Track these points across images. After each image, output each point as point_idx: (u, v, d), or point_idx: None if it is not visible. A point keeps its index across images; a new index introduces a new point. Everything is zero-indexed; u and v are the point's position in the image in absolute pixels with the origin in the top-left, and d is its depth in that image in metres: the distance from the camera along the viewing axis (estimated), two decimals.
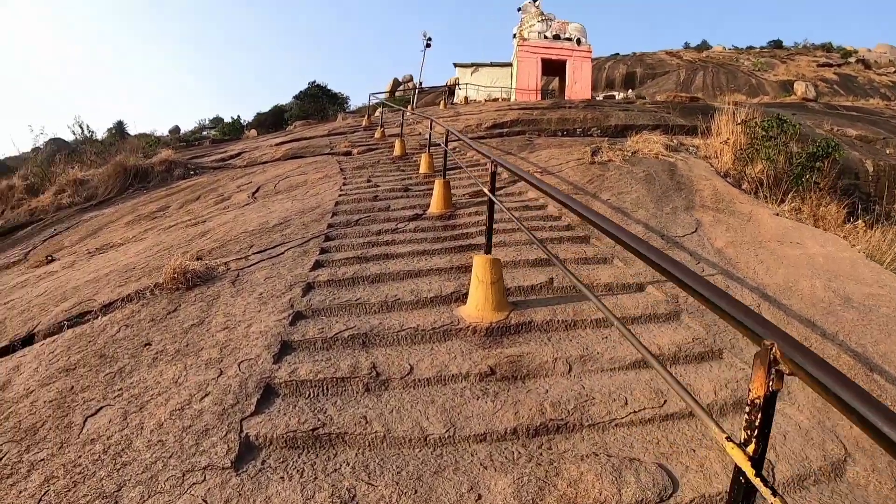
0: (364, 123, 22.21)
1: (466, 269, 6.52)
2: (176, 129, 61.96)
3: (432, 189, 9.73)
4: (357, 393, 4.30)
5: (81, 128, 25.75)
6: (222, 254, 7.86)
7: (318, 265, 6.91)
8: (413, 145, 15.97)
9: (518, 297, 5.85)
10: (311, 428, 3.80)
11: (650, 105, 23.61)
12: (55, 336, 6.57)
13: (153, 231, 11.15)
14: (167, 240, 9.78)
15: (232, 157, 19.50)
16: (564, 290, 6.05)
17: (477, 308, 5.27)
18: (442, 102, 29.84)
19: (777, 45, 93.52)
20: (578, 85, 35.80)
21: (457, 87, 39.39)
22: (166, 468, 3.57)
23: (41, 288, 8.68)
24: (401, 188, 10.50)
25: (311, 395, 4.29)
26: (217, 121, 59.96)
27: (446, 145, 8.95)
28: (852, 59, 78.08)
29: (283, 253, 7.48)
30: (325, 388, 4.34)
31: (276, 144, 20.06)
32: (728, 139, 13.44)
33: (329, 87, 49.71)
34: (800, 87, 40.02)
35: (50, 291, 8.26)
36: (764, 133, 12.79)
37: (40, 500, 3.52)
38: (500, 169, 5.52)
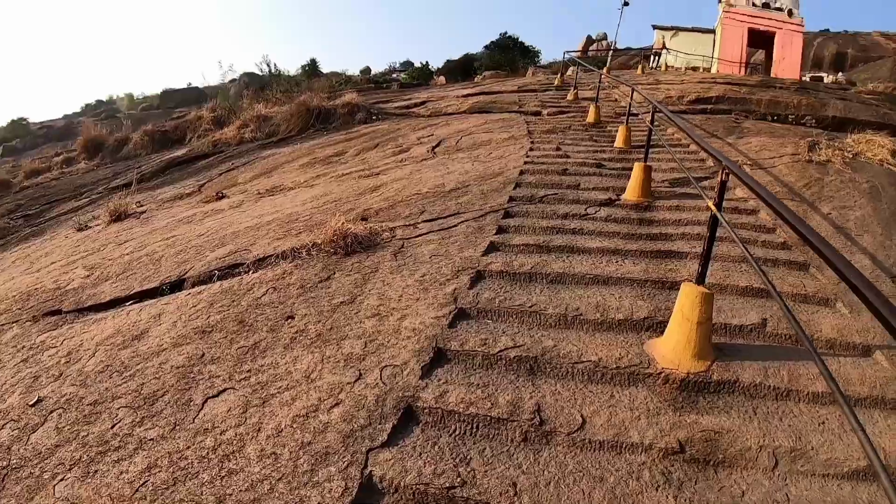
0: (556, 83, 20.88)
1: (663, 284, 5.48)
2: (367, 70, 63.35)
3: (628, 169, 8.63)
4: (512, 443, 3.49)
5: (268, 65, 26.11)
6: (390, 216, 7.21)
7: (492, 248, 6.08)
8: (608, 112, 14.63)
9: (722, 337, 4.71)
10: (446, 485, 3.08)
11: (869, 96, 20.92)
12: (203, 286, 6.12)
13: (325, 178, 10.73)
14: (337, 190, 9.25)
15: (416, 105, 18.93)
16: (778, 339, 4.85)
17: (674, 350, 4.19)
18: (640, 67, 27.76)
19: None
20: (786, 61, 32.33)
21: (661, 52, 36.85)
22: (272, 494, 3.06)
23: (204, 227, 8.35)
24: (593, 163, 9.38)
25: (457, 433, 3.54)
26: (407, 64, 60.66)
27: (651, 123, 7.73)
28: None
29: (455, 225, 6.68)
30: (475, 426, 3.58)
31: (463, 96, 19.27)
32: None
33: (521, 40, 48.60)
34: None
35: (211, 233, 7.89)
36: None
37: (137, 489, 3.20)
38: (721, 171, 4.28)
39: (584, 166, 9.22)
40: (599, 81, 14.71)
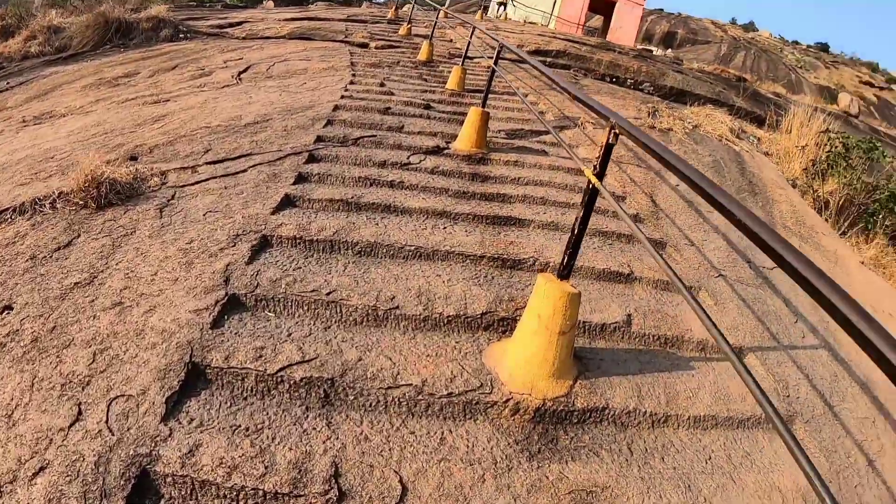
0: (389, 16, 19.29)
1: (504, 263, 4.43)
2: None
3: (460, 114, 7.63)
4: None
5: None
6: (166, 156, 5.72)
7: (287, 203, 4.76)
8: (441, 52, 13.44)
9: (580, 338, 3.72)
10: None
11: (702, 74, 21.17)
12: None
13: (105, 103, 8.92)
14: (112, 119, 7.56)
15: (232, 25, 16.84)
16: (646, 340, 3.97)
17: (527, 367, 3.07)
18: (478, 14, 26.77)
19: (823, 48, 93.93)
20: (623, 30, 33.62)
21: (504, 2, 36.13)
22: None
23: None
24: (421, 103, 8.16)
25: None
26: None
27: (496, 63, 6.58)
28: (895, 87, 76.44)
29: (245, 170, 5.31)
30: None
31: (285, 20, 17.37)
32: (805, 144, 11.51)
33: None
34: (844, 100, 38.54)
35: None
36: (844, 151, 11.07)
37: None
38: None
39: (411, 106, 7.98)
40: (436, 19, 13.46)
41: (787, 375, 4.24)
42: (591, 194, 3.10)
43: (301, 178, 5.19)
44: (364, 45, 13.64)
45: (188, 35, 15.50)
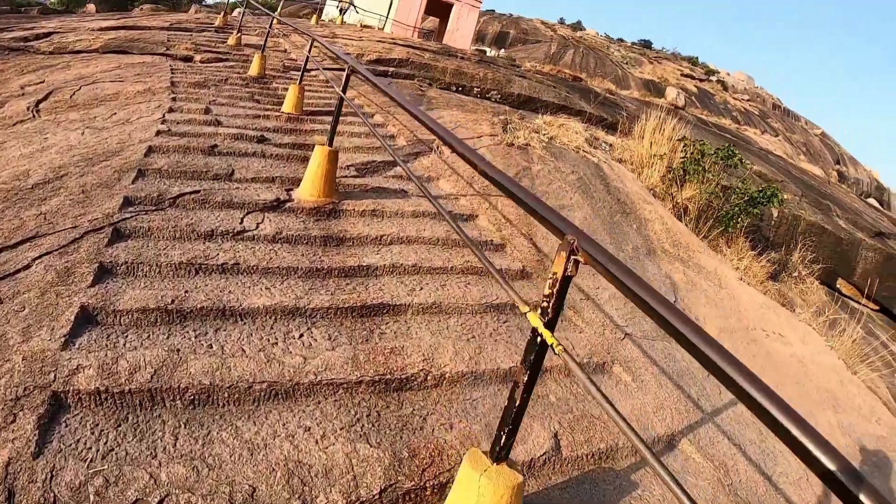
0: (217, 23, 17.60)
1: (389, 385, 3.51)
2: None
3: (301, 146, 6.86)
4: None
5: None
6: None
7: (84, 321, 3.51)
8: (275, 65, 12.18)
9: None
10: None
11: (541, 76, 20.97)
12: None
13: None
14: None
15: (39, 37, 14.81)
16: (579, 464, 3.32)
17: None
18: (314, 18, 25.32)
19: (647, 44, 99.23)
20: (459, 32, 33.68)
21: (341, 5, 34.72)
22: None
23: None
24: (254, 136, 6.99)
25: None
26: None
27: (344, 90, 5.53)
28: (713, 78, 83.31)
29: (28, 265, 4.01)
30: None
31: (100, 29, 15.47)
32: (663, 153, 11.40)
33: None
34: (671, 93, 40.74)
35: None
36: (700, 157, 11.02)
37: None
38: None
39: (242, 140, 6.80)
40: (270, 26, 12.13)
41: (722, 454, 4.03)
42: (540, 349, 2.16)
43: (103, 272, 3.95)
44: (188, 59, 12.19)
45: None
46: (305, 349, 3.55)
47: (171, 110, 7.81)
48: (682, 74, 76.23)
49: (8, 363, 2.99)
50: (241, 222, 4.85)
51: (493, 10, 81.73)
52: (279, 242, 4.72)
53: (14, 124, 7.72)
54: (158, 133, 6.68)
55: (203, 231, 4.62)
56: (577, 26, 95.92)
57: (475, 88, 14.90)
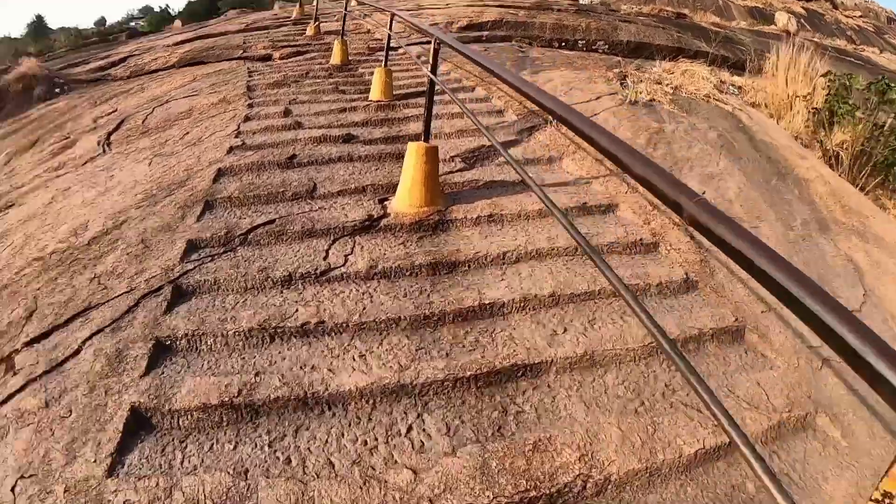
0: (294, 15, 16.77)
1: None
2: (101, 21, 56.30)
3: (395, 140, 5.80)
4: None
5: None
6: None
7: (135, 428, 2.72)
8: (359, 49, 11.12)
9: None
10: None
11: (644, 18, 19.10)
12: None
13: None
14: None
15: (115, 63, 14.36)
16: None
17: None
18: None
19: None
20: None
21: None
22: None
23: None
24: (339, 135, 5.93)
25: None
26: (146, 10, 55.09)
27: (434, 70, 4.33)
28: None
29: (77, 352, 3.23)
30: None
31: (175, 44, 14.92)
32: (807, 93, 9.38)
33: None
34: (781, 18, 37.98)
35: None
36: (844, 93, 9.04)
37: None
38: None
39: (326, 143, 5.77)
40: (346, 8, 11.07)
41: None
42: None
43: (160, 352, 3.05)
44: (267, 58, 11.32)
45: (66, 87, 13.08)
46: (416, 454, 2.46)
47: (246, 119, 6.87)
48: None
49: (50, 497, 2.28)
50: (326, 256, 3.77)
51: None
52: (375, 279, 3.62)
53: (84, 163, 7.05)
54: (230, 150, 5.72)
55: (279, 276, 3.58)
56: None
57: (579, 41, 13.38)
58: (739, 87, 10.02)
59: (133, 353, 3.03)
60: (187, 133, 6.91)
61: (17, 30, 47.99)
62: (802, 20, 58.26)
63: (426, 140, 4.40)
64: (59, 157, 7.66)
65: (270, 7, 30.57)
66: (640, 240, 4.27)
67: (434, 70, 4.34)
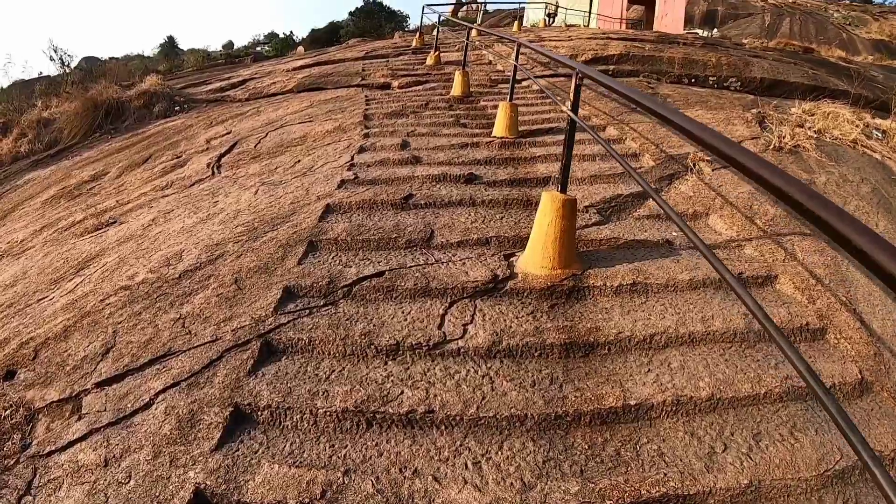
0: (414, 44, 16.53)
1: None
2: (229, 45, 59.87)
3: (522, 183, 5.29)
4: None
5: (57, 52, 20.37)
6: (50, 367, 3.42)
7: None
8: (480, 80, 10.64)
9: None
10: None
11: (774, 53, 18.03)
12: None
13: (49, 231, 7.08)
14: (34, 271, 5.49)
15: (234, 85, 14.40)
16: None
17: None
18: (515, 25, 23.35)
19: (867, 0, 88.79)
20: (670, 17, 30.25)
21: (545, 8, 32.68)
22: None
23: None
24: (460, 174, 5.38)
25: None
26: (272, 36, 58.18)
27: (574, 109, 3.70)
28: None
29: (148, 404, 2.85)
30: None
31: (294, 69, 14.87)
32: None
33: (386, 4, 47.52)
34: None
35: None
36: None
37: None
38: None
39: (446, 182, 5.25)
40: (468, 38, 10.59)
41: None
42: None
43: (237, 422, 2.64)
44: (386, 87, 11.01)
45: (185, 106, 13.18)
46: None
47: (361, 150, 6.44)
48: None
49: None
50: (441, 324, 3.19)
51: None
52: (497, 358, 3.00)
53: (191, 185, 6.78)
54: (342, 184, 5.26)
55: (384, 344, 3.02)
56: None
57: (710, 77, 12.53)
58: (884, 131, 8.99)
59: (207, 419, 2.57)
60: (298, 161, 6.53)
61: (150, 48, 50.75)
62: None
63: (563, 190, 3.77)
64: (168, 176, 7.43)
65: (391, 36, 30.86)
66: (806, 324, 3.51)
67: (575, 108, 3.73)
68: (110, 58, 48.88)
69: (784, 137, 6.94)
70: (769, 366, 3.08)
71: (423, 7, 19.17)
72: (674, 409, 2.75)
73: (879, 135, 8.83)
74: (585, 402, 2.70)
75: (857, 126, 8.12)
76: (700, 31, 39.62)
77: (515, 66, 7.00)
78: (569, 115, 3.73)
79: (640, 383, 2.85)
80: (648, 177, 5.66)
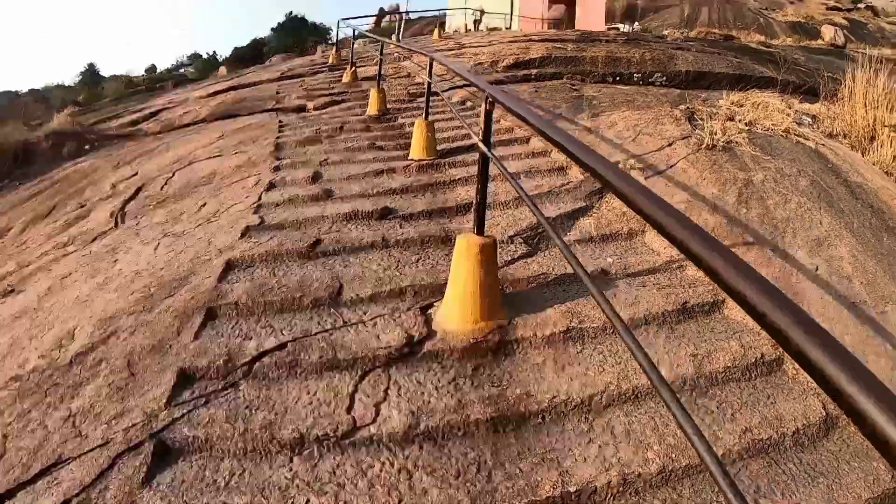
0: (331, 61, 16.01)
1: None
2: (152, 68, 57.96)
3: (441, 213, 4.93)
4: None
5: None
6: None
7: None
8: (398, 95, 10.27)
9: None
10: None
11: (695, 43, 18.13)
12: None
13: None
14: None
15: (147, 118, 13.81)
16: None
17: None
18: (435, 32, 22.86)
19: None
20: (591, 15, 30.68)
21: (471, 14, 32.47)
22: None
23: None
24: (373, 209, 5.00)
25: None
26: (194, 57, 56.76)
27: (486, 140, 3.35)
28: (861, 5, 74.41)
29: None
30: None
31: (209, 95, 14.30)
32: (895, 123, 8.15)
33: (307, 18, 47.45)
34: (827, 32, 38.28)
35: None
36: None
37: None
38: None
39: (357, 221, 4.88)
40: (381, 53, 10.08)
41: None
42: None
43: None
44: (301, 109, 10.56)
45: (95, 144, 12.51)
46: None
47: (270, 186, 6.05)
48: (827, 8, 69.49)
49: None
50: (351, 406, 2.80)
51: None
52: (415, 443, 2.63)
53: (93, 239, 6.33)
54: (246, 231, 4.86)
55: (288, 438, 2.65)
56: None
57: (635, 75, 12.36)
58: (813, 117, 8.88)
59: None
60: (204, 205, 6.10)
61: (71, 77, 49.82)
62: (846, 31, 56.91)
63: (480, 231, 3.44)
64: (71, 231, 6.93)
65: (313, 51, 30.47)
66: (761, 356, 3.26)
67: (487, 138, 3.42)
68: (29, 90, 47.44)
69: (716, 134, 6.75)
70: (725, 417, 2.81)
71: (339, 21, 18.74)
72: (620, 490, 2.43)
73: (809, 120, 8.70)
74: (518, 493, 2.34)
75: (787, 115, 7.96)
76: (622, 27, 40.13)
77: (429, 84, 6.71)
78: (480, 149, 3.41)
79: (581, 459, 2.52)
80: (579, 192, 5.40)
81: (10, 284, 5.93)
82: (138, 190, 7.51)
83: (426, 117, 6.69)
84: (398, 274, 3.95)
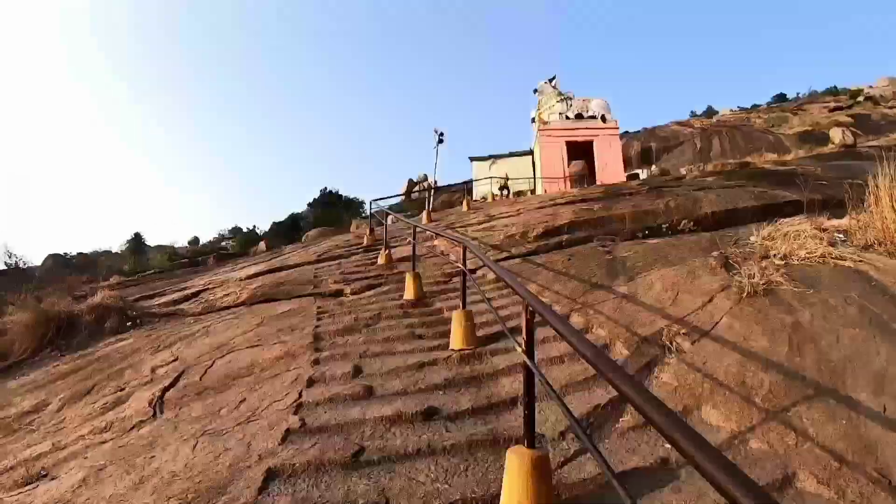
0: (365, 241, 16.52)
1: None
2: (195, 241, 61.46)
3: (486, 410, 4.90)
4: None
5: (11, 257, 20.24)
6: None
7: None
8: (434, 277, 10.37)
9: None
10: None
11: (715, 178, 18.45)
12: None
13: None
14: None
15: (188, 298, 14.03)
16: None
17: None
18: (465, 202, 23.43)
19: (782, 98, 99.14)
20: (609, 166, 32.02)
21: (504, 183, 33.71)
22: None
23: None
24: (417, 410, 4.86)
25: None
26: (235, 230, 59.36)
27: (529, 352, 3.32)
28: (860, 98, 79.62)
29: None
30: None
31: (249, 277, 14.61)
32: None
33: (341, 193, 49.25)
34: (836, 135, 38.84)
35: None
36: None
37: None
38: None
39: (401, 425, 4.74)
40: (414, 237, 10.14)
41: None
42: None
43: None
44: (338, 294, 10.67)
45: (137, 321, 12.64)
46: None
47: (310, 382, 6.01)
48: (829, 111, 73.64)
49: None
50: None
51: (627, 131, 79.01)
52: None
53: (130, 428, 6.30)
54: (286, 436, 4.76)
55: None
56: (710, 111, 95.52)
57: (662, 225, 12.45)
58: (845, 232, 8.68)
59: None
60: (243, 401, 6.04)
61: (118, 244, 52.17)
62: (853, 128, 57.30)
63: (531, 444, 3.33)
64: (109, 415, 6.87)
65: (348, 227, 31.33)
66: None
67: (530, 350, 3.37)
68: (78, 253, 49.09)
69: (754, 278, 6.62)
70: None
71: (371, 202, 19.32)
72: None
73: (842, 237, 8.47)
74: None
75: (820, 240, 7.77)
76: (640, 172, 41.28)
77: (464, 273, 6.77)
78: (524, 361, 3.36)
79: None
80: (627, 370, 5.28)
81: (45, 468, 5.82)
82: (178, 377, 7.50)
83: (463, 306, 6.71)
84: (447, 487, 3.78)
